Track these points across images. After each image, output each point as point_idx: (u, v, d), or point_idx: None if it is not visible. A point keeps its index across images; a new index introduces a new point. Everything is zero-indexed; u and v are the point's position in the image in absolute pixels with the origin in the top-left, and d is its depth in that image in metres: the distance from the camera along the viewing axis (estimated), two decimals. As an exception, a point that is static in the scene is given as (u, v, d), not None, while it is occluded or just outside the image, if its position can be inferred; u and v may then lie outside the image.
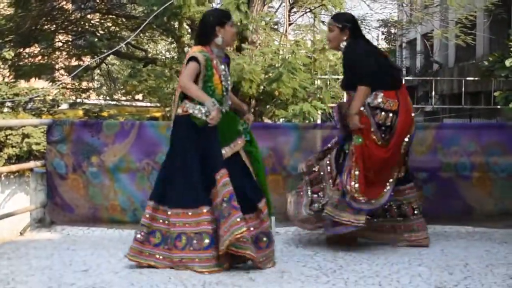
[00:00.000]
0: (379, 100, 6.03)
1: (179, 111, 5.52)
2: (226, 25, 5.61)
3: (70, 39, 20.41)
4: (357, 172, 5.91)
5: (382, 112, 6.01)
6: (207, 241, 5.28)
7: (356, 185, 5.89)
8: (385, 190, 6.06)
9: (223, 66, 5.65)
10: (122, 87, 23.72)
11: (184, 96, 5.51)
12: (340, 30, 6.25)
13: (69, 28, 19.56)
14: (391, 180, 6.10)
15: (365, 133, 5.96)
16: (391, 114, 6.02)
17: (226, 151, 5.46)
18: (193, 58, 5.45)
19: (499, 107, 21.19)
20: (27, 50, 19.54)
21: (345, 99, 7.00)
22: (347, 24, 6.25)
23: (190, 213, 5.35)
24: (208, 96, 5.37)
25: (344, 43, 6.26)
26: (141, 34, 19.18)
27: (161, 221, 5.45)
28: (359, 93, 6.02)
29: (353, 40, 6.22)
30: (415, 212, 6.33)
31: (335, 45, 6.40)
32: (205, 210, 5.34)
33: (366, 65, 6.10)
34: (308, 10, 17.79)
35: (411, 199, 6.35)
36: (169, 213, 5.40)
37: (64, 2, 19.16)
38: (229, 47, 5.72)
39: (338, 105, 6.41)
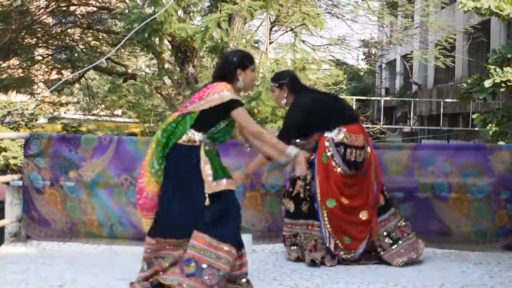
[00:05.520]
0: (342, 135, 6.23)
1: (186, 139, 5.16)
2: (248, 68, 5.38)
3: (50, 53, 20.37)
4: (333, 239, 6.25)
5: (347, 148, 6.21)
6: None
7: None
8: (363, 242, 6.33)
9: None
10: (101, 102, 23.67)
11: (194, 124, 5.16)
12: (280, 89, 6.51)
13: (50, 42, 19.53)
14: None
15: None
16: (356, 150, 6.26)
17: (226, 182, 5.15)
18: (239, 103, 5.19)
19: (477, 129, 21.34)
20: (6, 63, 19.47)
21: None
22: (282, 81, 6.50)
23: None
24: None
25: (284, 100, 6.51)
26: (121, 50, 19.18)
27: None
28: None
29: (297, 97, 6.44)
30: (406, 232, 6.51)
31: (279, 103, 6.66)
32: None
33: (289, 122, 6.41)
34: (289, 29, 17.87)
35: (398, 223, 6.51)
36: None
37: (44, 16, 19.14)
38: (247, 92, 5.48)
39: None
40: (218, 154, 5.33)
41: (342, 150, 6.18)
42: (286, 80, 6.53)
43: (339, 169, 6.19)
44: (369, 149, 6.40)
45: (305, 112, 6.31)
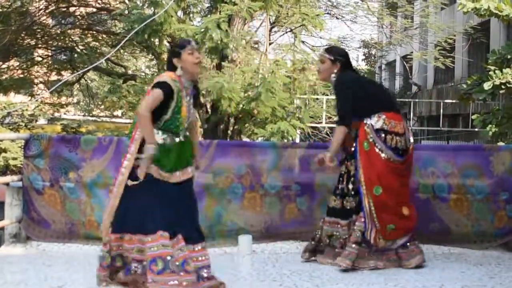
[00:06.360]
0: (381, 122, 6.15)
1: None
2: (182, 54, 5.36)
3: (50, 54, 20.36)
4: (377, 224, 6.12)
5: (387, 134, 6.12)
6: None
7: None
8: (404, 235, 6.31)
9: (188, 98, 5.40)
10: (101, 102, 23.66)
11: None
12: (332, 63, 6.38)
13: (49, 42, 19.53)
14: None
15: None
16: (397, 137, 6.17)
17: (177, 175, 5.26)
18: (162, 85, 5.22)
19: (476, 129, 21.32)
20: (6, 64, 19.47)
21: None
22: (339, 57, 6.39)
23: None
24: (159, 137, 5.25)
25: (333, 75, 6.39)
26: (121, 50, 19.17)
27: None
28: (337, 133, 6.23)
29: (342, 74, 6.35)
30: None
31: (326, 76, 6.50)
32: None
33: (344, 104, 6.30)
34: (288, 30, 17.87)
35: None
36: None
37: (44, 17, 19.14)
38: (194, 75, 5.40)
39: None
40: (187, 144, 5.42)
41: (383, 136, 6.09)
42: (343, 57, 6.43)
43: (383, 155, 6.07)
44: (411, 138, 6.36)
45: (355, 86, 6.28)
